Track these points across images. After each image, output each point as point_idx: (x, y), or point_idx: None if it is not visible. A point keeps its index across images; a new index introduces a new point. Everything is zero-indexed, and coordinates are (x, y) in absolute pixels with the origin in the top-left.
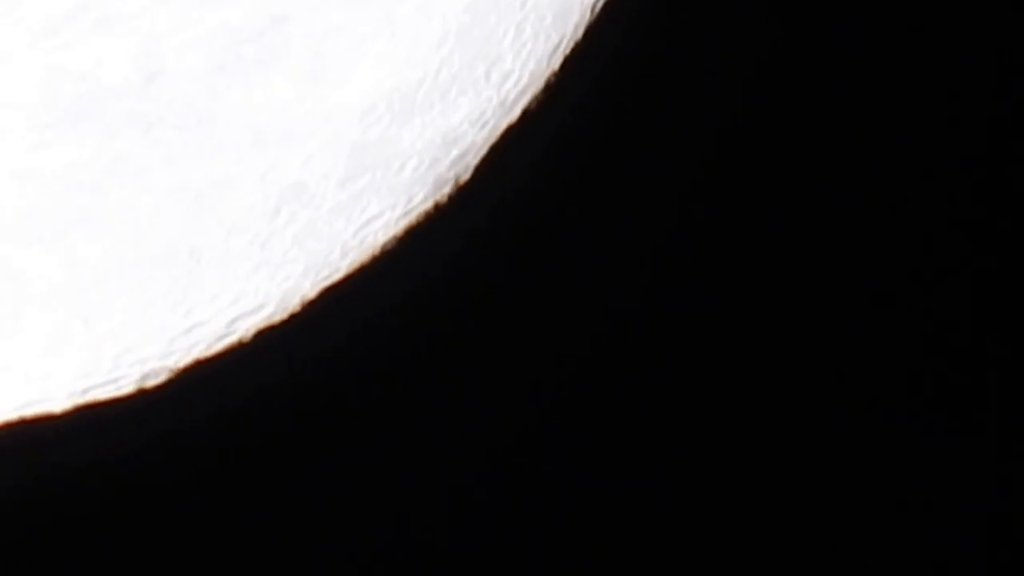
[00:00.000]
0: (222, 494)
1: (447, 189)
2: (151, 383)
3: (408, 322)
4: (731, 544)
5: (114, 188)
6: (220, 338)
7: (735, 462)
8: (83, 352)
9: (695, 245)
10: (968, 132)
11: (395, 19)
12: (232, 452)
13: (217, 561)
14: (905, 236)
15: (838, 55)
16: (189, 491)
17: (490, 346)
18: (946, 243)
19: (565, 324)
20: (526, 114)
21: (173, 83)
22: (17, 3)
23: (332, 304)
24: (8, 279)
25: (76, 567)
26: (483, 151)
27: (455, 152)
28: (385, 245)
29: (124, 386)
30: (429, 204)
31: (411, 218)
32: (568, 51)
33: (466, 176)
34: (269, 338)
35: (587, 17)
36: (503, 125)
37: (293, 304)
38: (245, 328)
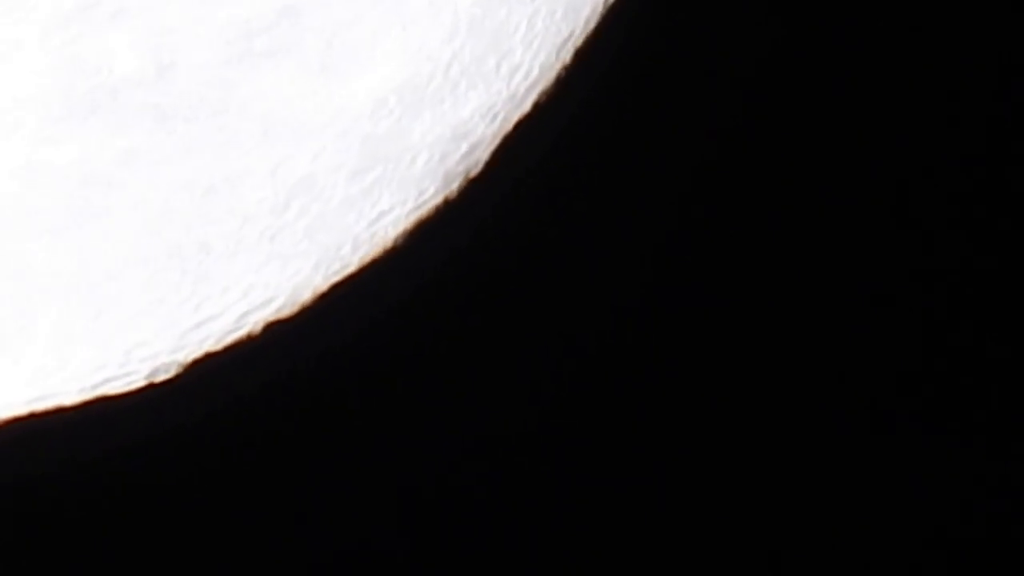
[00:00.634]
0: (232, 487)
1: (457, 183)
2: (161, 377)
3: (418, 315)
4: (731, 544)
5: (125, 182)
6: (230, 332)
7: (735, 461)
8: (94, 346)
9: (702, 239)
10: (968, 132)
11: (406, 13)
12: (242, 445)
13: (225, 553)
14: (905, 236)
15: (848, 52)
16: (199, 484)
17: (500, 339)
18: (946, 243)
19: (574, 318)
20: (536, 108)
21: (185, 76)
22: None
23: (342, 298)
24: (19, 273)
25: (86, 559)
26: (493, 145)
27: (465, 146)
28: (396, 239)
29: (135, 380)
30: (439, 198)
31: (422, 212)
32: (578, 45)
33: (476, 170)
34: (279, 332)
35: (597, 11)
36: (513, 118)
37: (303, 298)
38: (255, 322)
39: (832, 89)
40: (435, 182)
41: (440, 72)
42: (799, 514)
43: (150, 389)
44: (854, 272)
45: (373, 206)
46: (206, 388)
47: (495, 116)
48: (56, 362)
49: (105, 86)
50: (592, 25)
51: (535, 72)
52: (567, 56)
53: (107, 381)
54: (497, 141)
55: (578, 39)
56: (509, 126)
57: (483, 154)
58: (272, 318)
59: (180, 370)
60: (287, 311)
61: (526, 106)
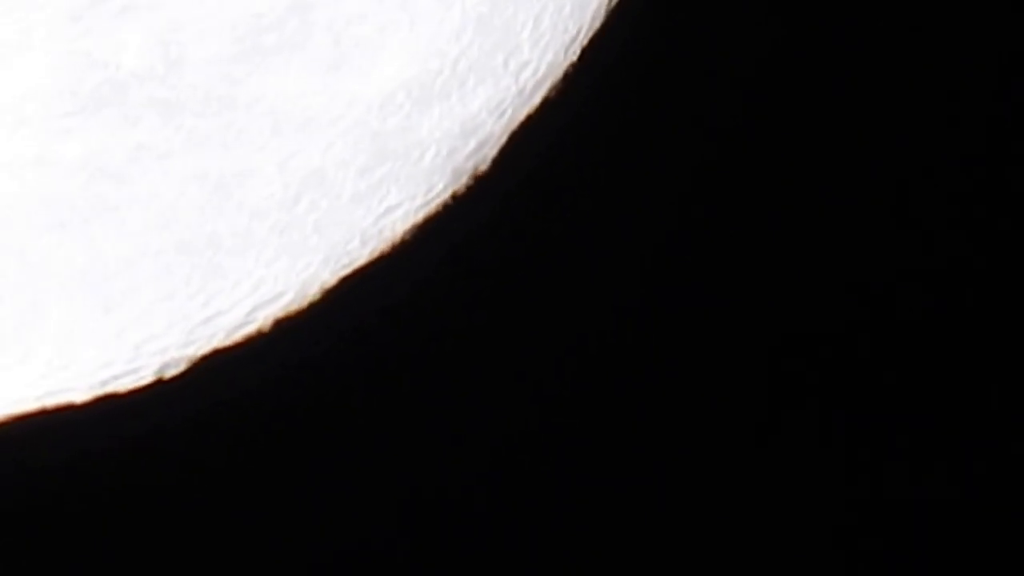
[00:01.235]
0: (241, 482)
1: (466, 179)
2: (170, 372)
3: (426, 310)
4: (731, 544)
5: (135, 176)
6: (239, 327)
7: (736, 461)
8: (103, 341)
9: (709, 236)
10: (968, 132)
11: (414, 9)
12: (251, 440)
13: (233, 548)
14: (905, 236)
15: (852, 52)
16: (209, 479)
17: (507, 334)
18: (946, 243)
19: (581, 314)
20: (544, 104)
21: (194, 72)
22: None
23: (351, 293)
24: (29, 267)
25: (95, 555)
26: (501, 141)
27: (473, 142)
28: (404, 234)
29: (144, 376)
30: (448, 193)
31: (430, 207)
32: (586, 41)
33: (484, 166)
34: (288, 327)
35: (604, 8)
36: (521, 114)
37: (312, 292)
38: (264, 317)
39: (836, 88)
40: (443, 178)
41: (448, 68)
42: (799, 514)
43: (159, 384)
44: (854, 272)
45: (381, 201)
46: (215, 383)
47: (503, 112)
48: (65, 358)
49: (114, 81)
50: (599, 22)
51: (543, 68)
52: (574, 53)
53: (116, 377)
54: (505, 137)
55: (585, 36)
56: (517, 122)
57: (491, 150)
58: (281, 313)
59: (189, 365)
60: (296, 305)
61: (534, 102)
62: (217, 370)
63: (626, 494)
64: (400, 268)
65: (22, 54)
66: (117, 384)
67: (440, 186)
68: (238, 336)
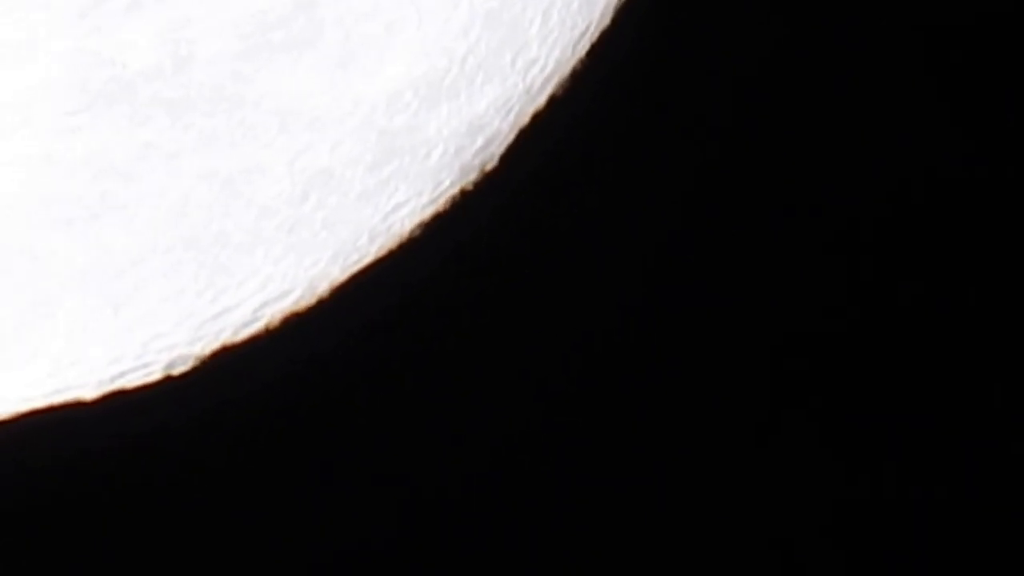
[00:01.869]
0: (250, 478)
1: (473, 176)
2: (179, 369)
3: (434, 307)
4: (731, 543)
5: (143, 173)
6: (247, 324)
7: (737, 461)
8: (112, 338)
9: (716, 233)
10: (969, 132)
11: (422, 6)
12: (259, 437)
13: (240, 544)
14: (905, 236)
15: (870, 47)
16: (216, 476)
17: (514, 331)
18: (946, 243)
19: (589, 311)
20: (552, 101)
21: (202, 69)
22: None
23: (359, 290)
24: (37, 264)
25: (103, 551)
26: (509, 138)
27: (481, 139)
28: (412, 231)
29: (152, 372)
30: (455, 191)
31: (438, 205)
32: (593, 39)
33: (492, 164)
34: (296, 324)
35: (612, 5)
36: (529, 112)
37: (320, 289)
38: (272, 314)
39: (846, 83)
40: (451, 175)
41: (456, 66)
42: (800, 514)
43: (167, 381)
44: (856, 272)
45: (389, 199)
46: (223, 380)
47: (511, 110)
48: (73, 355)
49: (121, 79)
50: (607, 19)
51: (550, 66)
52: (582, 50)
53: (124, 374)
54: (512, 135)
55: (593, 33)
56: (525, 120)
57: (498, 148)
58: (289, 310)
59: (197, 362)
60: (304, 303)
61: (541, 100)
62: (225, 367)
63: (627, 493)
64: (408, 265)
65: (30, 52)
66: (125, 381)
67: (447, 183)
68: (246, 333)
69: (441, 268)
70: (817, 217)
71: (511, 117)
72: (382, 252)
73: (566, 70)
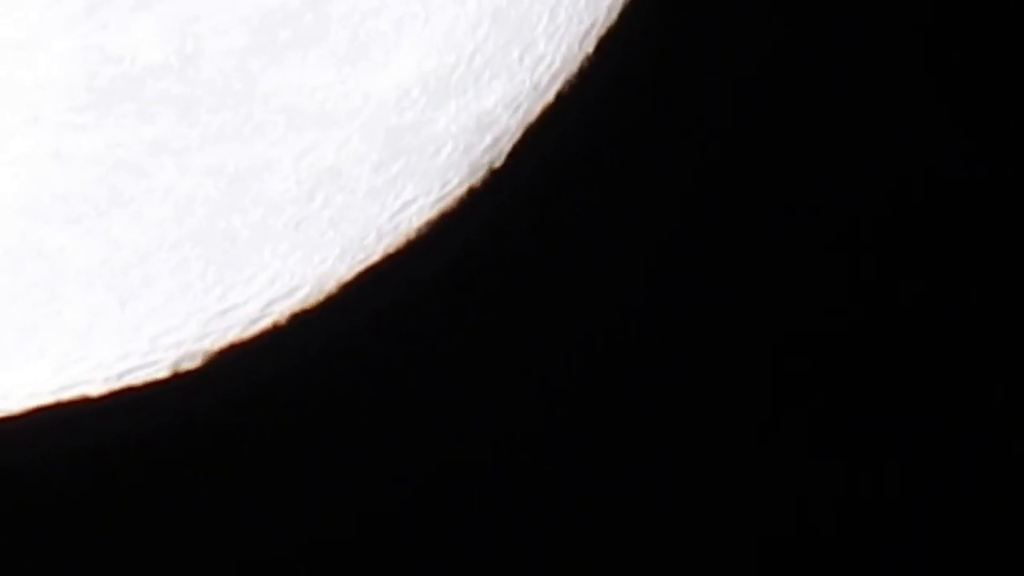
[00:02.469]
0: (257, 474)
1: (481, 173)
2: (187, 366)
3: (441, 305)
4: (731, 543)
5: (150, 170)
6: (255, 321)
7: (737, 460)
8: (119, 334)
9: (726, 230)
10: (969, 132)
11: (430, 3)
12: (266, 434)
13: (246, 540)
14: (905, 235)
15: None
16: (224, 472)
17: (521, 329)
18: (946, 243)
19: (598, 308)
20: (560, 98)
21: (210, 65)
22: None
23: (366, 288)
24: (45, 261)
25: (109, 547)
26: (517, 135)
27: (489, 137)
28: (420, 229)
29: (160, 369)
30: (464, 188)
31: (446, 202)
32: (601, 35)
33: (500, 161)
34: (304, 321)
35: (619, 1)
36: (537, 109)
37: (328, 287)
38: (280, 311)
39: (858, 81)
40: (459, 173)
41: (464, 63)
42: (800, 513)
43: (175, 378)
44: (857, 272)
45: (397, 196)
46: (231, 377)
47: (519, 107)
48: (81, 351)
49: (129, 75)
50: (615, 15)
51: (558, 63)
52: (590, 46)
53: (132, 370)
54: (520, 132)
55: (601, 29)
56: (533, 117)
57: (506, 145)
58: (297, 307)
59: (205, 359)
60: (312, 300)
61: (549, 96)
62: (233, 363)
63: (628, 491)
64: (415, 263)
65: (37, 48)
66: (133, 377)
67: (456, 181)
68: (254, 330)
69: (449, 266)
70: (818, 216)
71: (519, 114)
72: (390, 249)
73: (574, 67)
